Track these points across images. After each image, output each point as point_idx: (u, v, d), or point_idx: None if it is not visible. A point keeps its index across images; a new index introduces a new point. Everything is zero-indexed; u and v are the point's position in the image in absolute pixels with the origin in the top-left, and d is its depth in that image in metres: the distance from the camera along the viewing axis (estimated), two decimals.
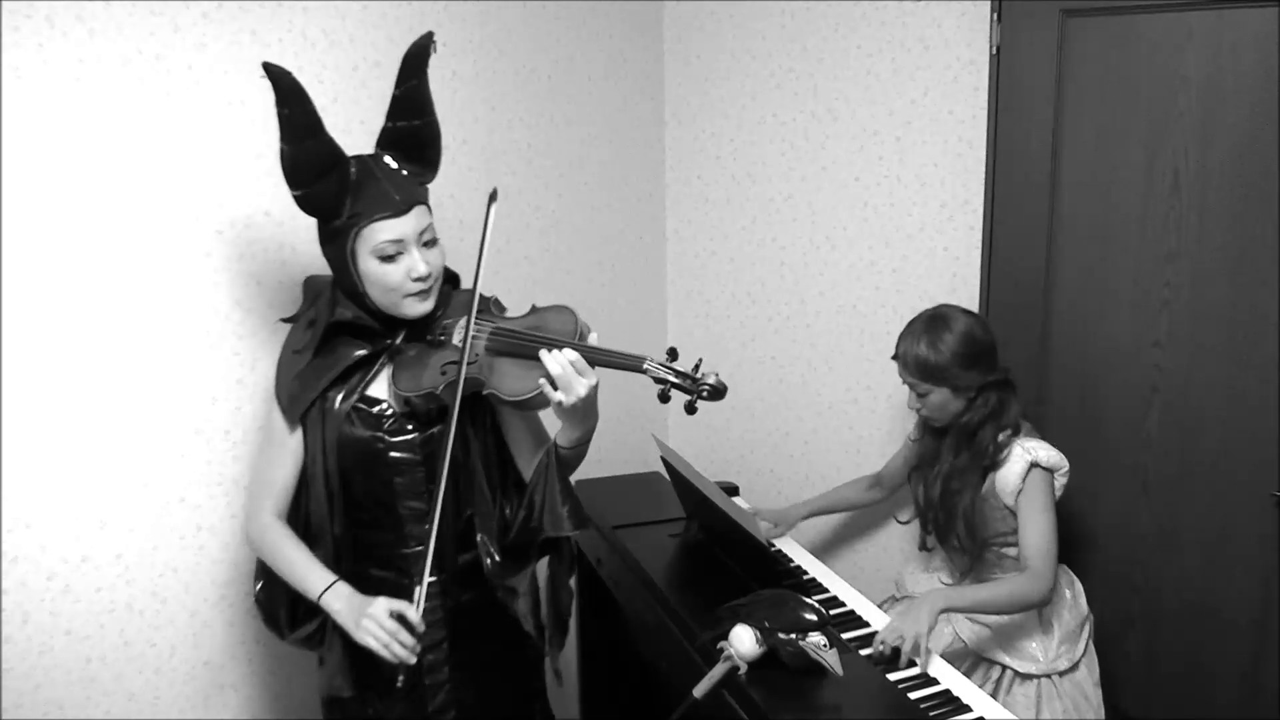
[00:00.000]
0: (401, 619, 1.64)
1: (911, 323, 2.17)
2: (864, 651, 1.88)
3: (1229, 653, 2.39)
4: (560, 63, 2.61)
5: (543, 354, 1.60)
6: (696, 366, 1.59)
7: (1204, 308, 2.30)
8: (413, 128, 1.73)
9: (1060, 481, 2.12)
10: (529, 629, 1.81)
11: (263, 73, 1.58)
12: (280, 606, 1.82)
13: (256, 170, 1.98)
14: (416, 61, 1.71)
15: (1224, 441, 2.32)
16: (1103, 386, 2.45)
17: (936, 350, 2.08)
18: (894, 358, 2.19)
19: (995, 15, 2.44)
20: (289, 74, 1.59)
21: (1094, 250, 2.42)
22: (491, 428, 1.83)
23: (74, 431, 1.80)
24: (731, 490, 2.64)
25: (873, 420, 2.82)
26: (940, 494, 2.18)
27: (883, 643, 1.86)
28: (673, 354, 1.60)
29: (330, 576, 1.73)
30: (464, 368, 1.66)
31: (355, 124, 2.12)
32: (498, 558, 1.78)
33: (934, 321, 2.13)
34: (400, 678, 1.66)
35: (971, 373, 2.10)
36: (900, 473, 2.42)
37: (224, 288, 1.97)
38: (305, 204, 1.68)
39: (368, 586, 1.75)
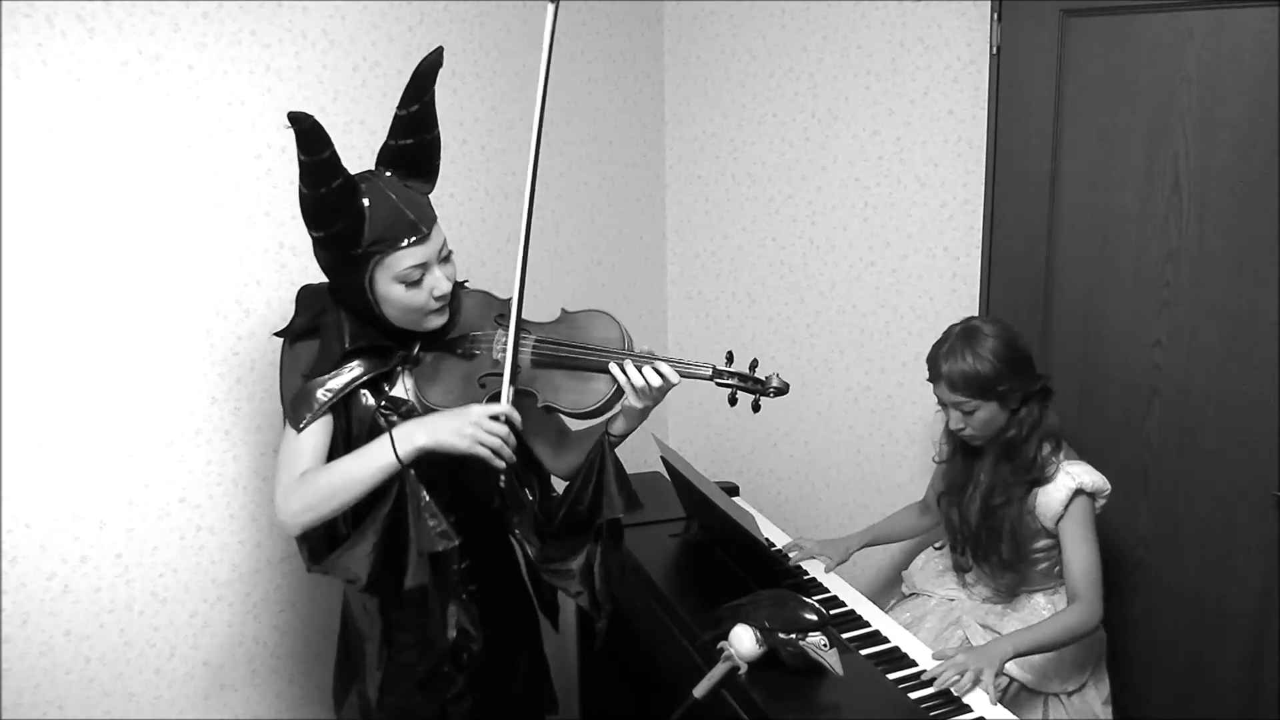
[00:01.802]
0: (505, 420, 1.63)
1: (943, 342, 2.09)
2: (895, 673, 1.85)
3: (1229, 653, 2.39)
4: (560, 63, 2.61)
5: (615, 371, 1.66)
6: (753, 366, 1.68)
7: (1204, 308, 2.30)
8: (419, 144, 1.68)
9: (1100, 503, 2.10)
10: (584, 605, 1.83)
11: (287, 123, 1.49)
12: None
13: (256, 170, 1.98)
14: (425, 81, 1.63)
15: (1224, 441, 2.32)
16: (1103, 386, 2.45)
17: (982, 360, 2.01)
18: (930, 379, 2.11)
19: (995, 15, 2.44)
20: (311, 118, 1.50)
21: (1094, 250, 2.42)
22: None
23: (74, 432, 1.80)
24: (731, 490, 2.64)
25: (872, 420, 2.82)
26: (981, 511, 2.12)
27: (945, 675, 1.80)
28: (730, 358, 1.70)
29: (385, 438, 1.63)
30: (508, 386, 1.66)
31: (355, 124, 2.12)
32: (538, 544, 1.82)
33: (970, 334, 2.05)
34: (501, 479, 1.68)
35: (1019, 380, 2.04)
36: None
37: (224, 287, 1.97)
38: (324, 244, 1.61)
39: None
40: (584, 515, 1.78)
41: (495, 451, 1.61)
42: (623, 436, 1.78)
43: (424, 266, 1.62)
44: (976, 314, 2.59)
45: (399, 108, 1.64)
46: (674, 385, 1.68)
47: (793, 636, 1.62)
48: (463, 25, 2.33)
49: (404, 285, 1.62)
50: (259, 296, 2.02)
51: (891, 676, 1.80)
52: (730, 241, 2.93)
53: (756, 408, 1.70)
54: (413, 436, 1.61)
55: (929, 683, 1.79)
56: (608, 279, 2.86)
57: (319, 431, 1.70)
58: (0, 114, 1.65)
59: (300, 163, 1.53)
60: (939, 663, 1.83)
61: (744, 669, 1.62)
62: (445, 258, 1.67)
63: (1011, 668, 2.09)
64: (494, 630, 1.86)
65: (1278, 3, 2.12)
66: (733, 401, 1.73)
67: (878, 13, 2.60)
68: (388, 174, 1.66)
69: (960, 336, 2.07)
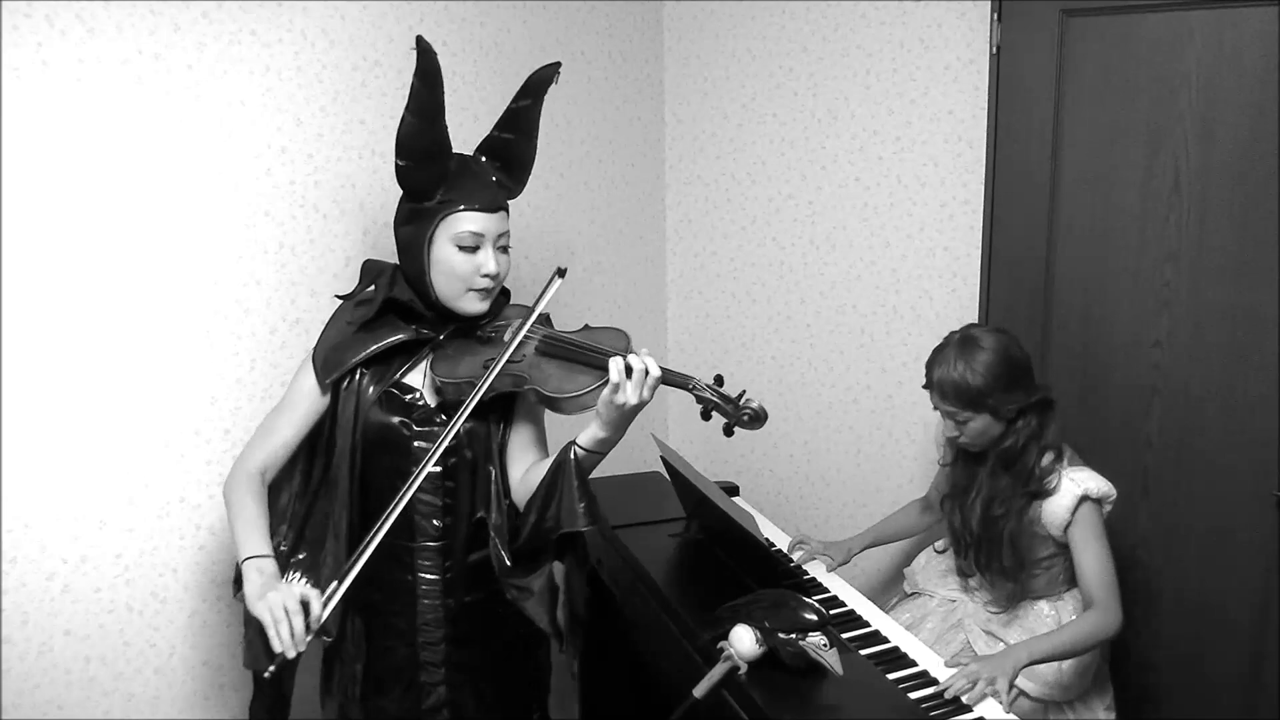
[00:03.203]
0: (305, 607, 1.57)
1: (941, 349, 2.07)
2: (895, 673, 1.84)
3: (1229, 653, 2.39)
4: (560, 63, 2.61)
5: (612, 359, 1.63)
6: (740, 394, 1.65)
7: (1204, 308, 2.30)
8: (511, 141, 1.82)
9: (1106, 509, 2.07)
10: (545, 628, 1.80)
11: (414, 45, 1.65)
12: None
13: (256, 170, 1.98)
14: (537, 86, 1.81)
15: (1224, 441, 2.32)
16: (1103, 387, 2.44)
17: (974, 373, 1.98)
18: (926, 387, 2.09)
19: (995, 15, 2.44)
20: (434, 54, 1.66)
21: (1094, 250, 2.42)
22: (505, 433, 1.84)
23: (74, 432, 1.80)
24: (731, 490, 2.64)
25: (872, 420, 2.82)
26: (981, 520, 2.09)
27: (958, 684, 1.76)
28: (719, 380, 1.68)
29: (265, 549, 1.68)
30: (503, 361, 1.70)
31: (355, 124, 2.12)
32: (508, 560, 1.77)
33: (966, 344, 2.02)
34: (270, 669, 1.55)
35: (1013, 394, 2.00)
36: None
37: (224, 287, 1.97)
38: (404, 177, 1.73)
39: (374, 581, 1.75)
40: (549, 529, 1.71)
41: (275, 626, 1.54)
42: (592, 450, 1.69)
43: (480, 237, 1.72)
44: (977, 318, 2.60)
45: (512, 101, 1.82)
46: (655, 378, 1.63)
47: (793, 636, 1.62)
48: (463, 25, 2.33)
49: (457, 248, 1.71)
50: (259, 296, 2.02)
51: (891, 676, 1.80)
52: (730, 241, 2.93)
53: (728, 432, 1.64)
54: (254, 574, 1.63)
55: (930, 682, 1.79)
56: (608, 279, 2.86)
57: (298, 423, 1.79)
58: (0, 114, 1.65)
59: (412, 88, 1.68)
60: (953, 671, 1.81)
61: (744, 669, 1.62)
62: (503, 247, 1.77)
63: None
64: (494, 641, 1.86)
65: (1278, 3, 2.12)
66: (705, 417, 1.66)
67: (878, 13, 2.60)
68: (484, 159, 1.81)
69: (956, 345, 2.04)
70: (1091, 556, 2.02)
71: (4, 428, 1.72)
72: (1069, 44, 2.36)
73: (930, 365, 2.07)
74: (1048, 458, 2.04)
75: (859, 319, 2.78)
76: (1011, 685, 1.81)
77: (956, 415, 2.03)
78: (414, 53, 1.66)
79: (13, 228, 1.69)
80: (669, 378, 1.66)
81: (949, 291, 2.64)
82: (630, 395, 1.62)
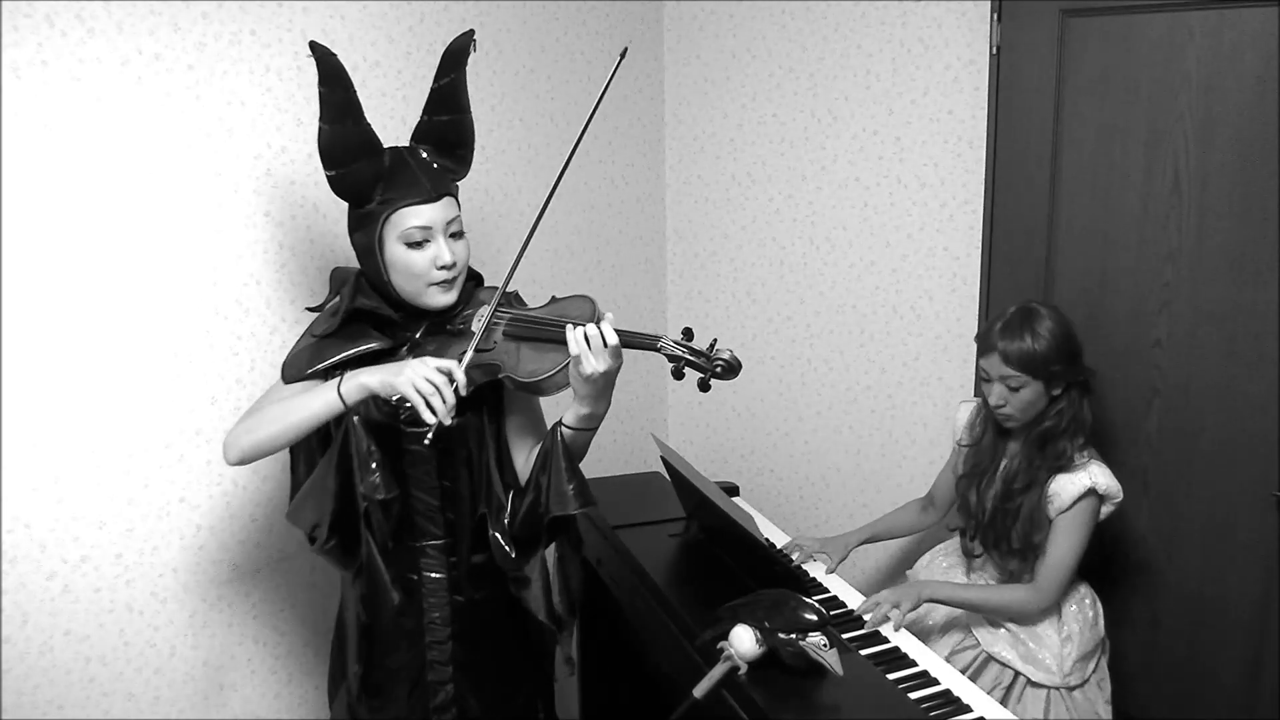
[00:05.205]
0: (449, 377, 1.59)
1: (1004, 318, 2.11)
2: (895, 673, 1.86)
3: (1229, 653, 2.39)
4: (560, 63, 2.61)
5: (568, 329, 1.60)
6: (712, 345, 1.60)
7: (1204, 308, 2.30)
8: (446, 122, 1.77)
9: (1108, 509, 2.11)
10: (542, 617, 1.79)
11: (308, 51, 1.61)
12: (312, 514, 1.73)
13: (256, 170, 1.98)
14: (455, 58, 1.74)
15: (1224, 441, 2.32)
16: (1103, 386, 2.44)
17: (1039, 339, 2.05)
18: (981, 352, 2.14)
19: (995, 15, 2.44)
20: (333, 56, 1.62)
21: (1094, 250, 2.42)
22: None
23: (74, 432, 1.80)
24: (731, 490, 2.64)
25: (872, 420, 2.82)
26: (1001, 493, 2.14)
27: (868, 608, 1.99)
28: (688, 334, 1.62)
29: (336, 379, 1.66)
30: (471, 351, 1.66)
31: None
32: (512, 552, 1.76)
33: (1029, 314, 2.09)
34: (428, 436, 1.59)
35: (1069, 365, 2.08)
36: (950, 488, 2.34)
37: (223, 288, 1.97)
38: (338, 185, 1.69)
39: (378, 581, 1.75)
40: (541, 514, 1.71)
41: (427, 400, 1.57)
42: (578, 428, 1.68)
43: (428, 230, 1.67)
44: (977, 318, 2.60)
45: (433, 82, 1.74)
46: (613, 345, 1.59)
47: (793, 636, 1.62)
48: (463, 25, 2.33)
49: (406, 245, 1.67)
50: (259, 296, 2.02)
51: (891, 676, 1.80)
52: (730, 241, 2.93)
53: (703, 387, 1.59)
54: (358, 376, 1.64)
55: (930, 682, 1.79)
56: (608, 279, 2.86)
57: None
58: (0, 114, 1.65)
59: (320, 95, 1.63)
60: (865, 600, 2.00)
61: (744, 669, 1.62)
62: (455, 234, 1.72)
63: (1015, 661, 2.10)
64: (501, 640, 1.85)
65: (1278, 3, 2.12)
66: (677, 375, 1.61)
67: (878, 13, 2.60)
68: (421, 150, 1.75)
69: (1019, 314, 2.11)
70: (1064, 544, 2.08)
71: (4, 428, 1.72)
72: (1069, 44, 2.36)
73: (989, 333, 2.13)
74: (1079, 440, 2.11)
75: (859, 319, 2.78)
76: (914, 609, 2.00)
77: (1011, 381, 2.08)
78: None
79: (13, 228, 1.69)
80: (634, 340, 1.62)
81: (949, 291, 2.64)
82: (596, 364, 1.59)
